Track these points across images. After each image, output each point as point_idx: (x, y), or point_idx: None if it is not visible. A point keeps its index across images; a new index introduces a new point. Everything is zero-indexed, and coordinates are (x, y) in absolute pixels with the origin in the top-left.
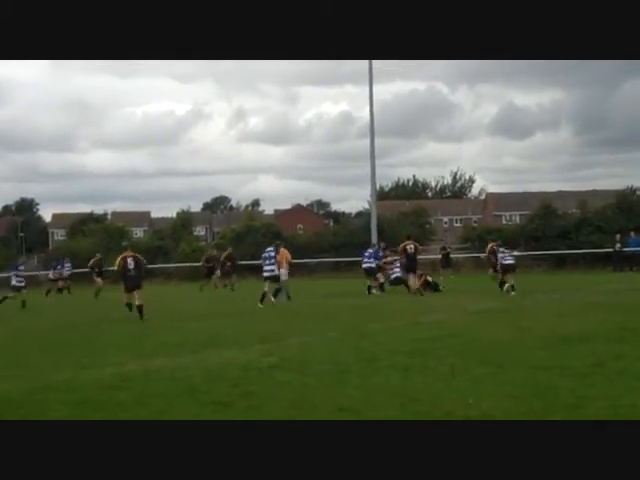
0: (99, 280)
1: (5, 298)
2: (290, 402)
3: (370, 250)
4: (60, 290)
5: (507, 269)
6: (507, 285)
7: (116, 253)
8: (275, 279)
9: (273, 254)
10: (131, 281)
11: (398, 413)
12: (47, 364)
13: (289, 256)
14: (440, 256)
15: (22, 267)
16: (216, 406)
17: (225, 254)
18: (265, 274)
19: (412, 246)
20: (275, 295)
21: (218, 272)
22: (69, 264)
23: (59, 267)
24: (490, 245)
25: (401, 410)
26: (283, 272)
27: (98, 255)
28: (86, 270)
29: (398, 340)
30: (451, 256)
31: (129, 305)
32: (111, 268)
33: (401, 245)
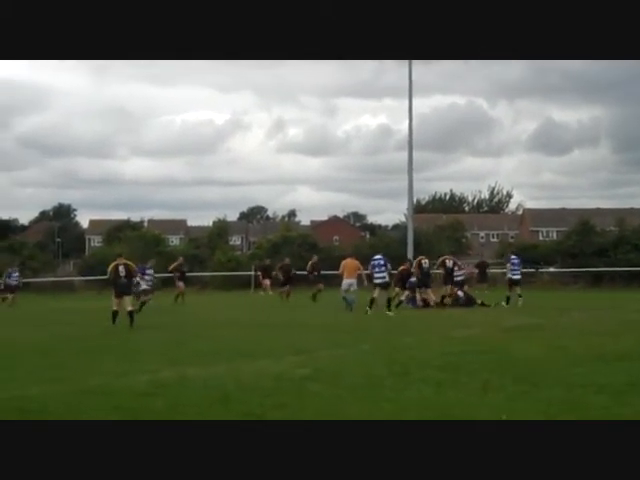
0: (181, 284)
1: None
2: (322, 414)
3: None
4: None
5: (514, 283)
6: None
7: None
8: (386, 286)
9: (383, 262)
10: (121, 287)
11: None
12: (83, 369)
13: (359, 266)
14: (477, 270)
15: (150, 270)
16: (248, 417)
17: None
18: (376, 281)
19: (426, 261)
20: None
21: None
22: (17, 274)
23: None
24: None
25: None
26: (349, 282)
27: (180, 259)
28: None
29: (430, 354)
30: (488, 271)
31: (115, 313)
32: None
33: (417, 259)
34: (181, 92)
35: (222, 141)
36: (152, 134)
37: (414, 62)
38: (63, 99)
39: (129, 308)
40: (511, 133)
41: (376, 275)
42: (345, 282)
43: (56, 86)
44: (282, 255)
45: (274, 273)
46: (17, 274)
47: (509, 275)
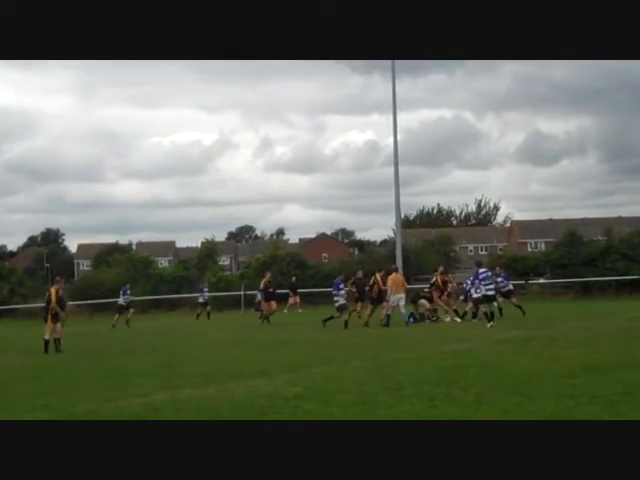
0: (273, 303)
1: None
2: None
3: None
4: None
5: (486, 300)
6: (478, 313)
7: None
8: (490, 299)
9: (490, 274)
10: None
11: None
12: (74, 394)
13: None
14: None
15: (206, 287)
16: None
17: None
18: (488, 292)
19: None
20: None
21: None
22: (128, 292)
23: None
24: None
25: None
26: (398, 297)
27: (268, 274)
28: (111, 300)
29: (423, 369)
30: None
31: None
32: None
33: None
34: (168, 114)
35: (210, 161)
36: (140, 156)
37: (400, 77)
38: (50, 124)
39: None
40: (499, 145)
41: (486, 287)
42: (394, 297)
43: (43, 110)
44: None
45: (347, 288)
46: (128, 293)
47: (484, 292)
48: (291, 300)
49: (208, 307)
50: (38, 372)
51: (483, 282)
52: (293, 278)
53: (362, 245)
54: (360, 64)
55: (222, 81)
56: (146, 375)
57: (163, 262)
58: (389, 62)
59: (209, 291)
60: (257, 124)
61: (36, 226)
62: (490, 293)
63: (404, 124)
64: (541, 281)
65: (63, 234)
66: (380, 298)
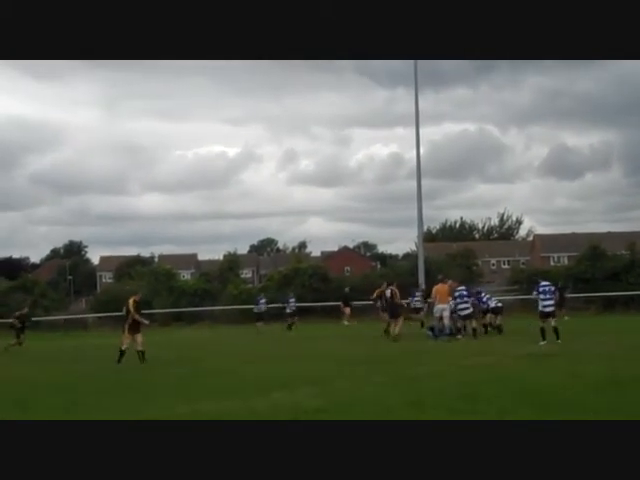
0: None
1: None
2: None
3: (418, 293)
4: None
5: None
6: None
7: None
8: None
9: (553, 289)
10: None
11: None
12: (97, 406)
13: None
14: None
15: (293, 298)
16: None
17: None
18: (546, 309)
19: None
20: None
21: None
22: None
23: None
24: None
25: None
26: (442, 307)
27: (347, 289)
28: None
29: (445, 383)
30: (565, 295)
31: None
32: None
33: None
34: (193, 126)
35: (234, 174)
36: (164, 169)
37: (424, 90)
38: (76, 136)
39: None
40: (523, 159)
41: (544, 303)
42: (438, 307)
43: (68, 123)
44: (293, 287)
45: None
46: (263, 300)
47: (459, 312)
48: (346, 311)
49: (296, 318)
50: (62, 385)
51: (542, 296)
52: (347, 289)
53: (384, 258)
54: (384, 78)
55: (246, 94)
56: (168, 388)
57: (185, 275)
58: (413, 76)
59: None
60: (281, 137)
61: (59, 238)
62: (549, 310)
63: (428, 137)
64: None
65: (86, 246)
66: (398, 311)
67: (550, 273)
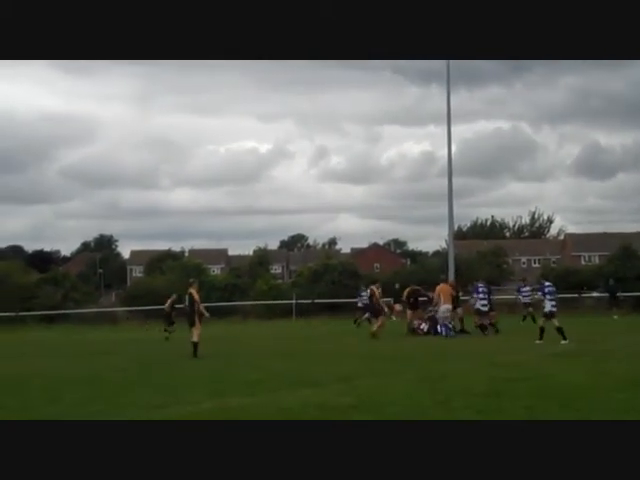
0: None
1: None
2: None
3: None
4: None
5: (481, 313)
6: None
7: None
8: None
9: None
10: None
11: None
12: (124, 400)
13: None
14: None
15: (364, 292)
16: None
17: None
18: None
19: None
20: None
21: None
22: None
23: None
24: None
25: None
26: (447, 307)
27: (397, 286)
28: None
29: (473, 381)
30: (617, 295)
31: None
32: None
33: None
34: (225, 122)
35: (265, 170)
36: (196, 164)
37: (457, 88)
38: (107, 131)
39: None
40: (555, 158)
41: (551, 303)
42: (443, 308)
43: (101, 118)
44: (323, 284)
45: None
46: (365, 293)
47: (477, 306)
48: (396, 307)
49: (367, 314)
50: (91, 378)
51: (548, 296)
52: (397, 285)
53: (414, 256)
54: (417, 75)
55: (279, 90)
56: (197, 382)
57: (215, 270)
58: (445, 73)
59: None
60: (313, 133)
61: (90, 232)
62: (554, 309)
63: (460, 135)
64: (594, 295)
65: (116, 240)
66: (377, 311)
67: (581, 272)
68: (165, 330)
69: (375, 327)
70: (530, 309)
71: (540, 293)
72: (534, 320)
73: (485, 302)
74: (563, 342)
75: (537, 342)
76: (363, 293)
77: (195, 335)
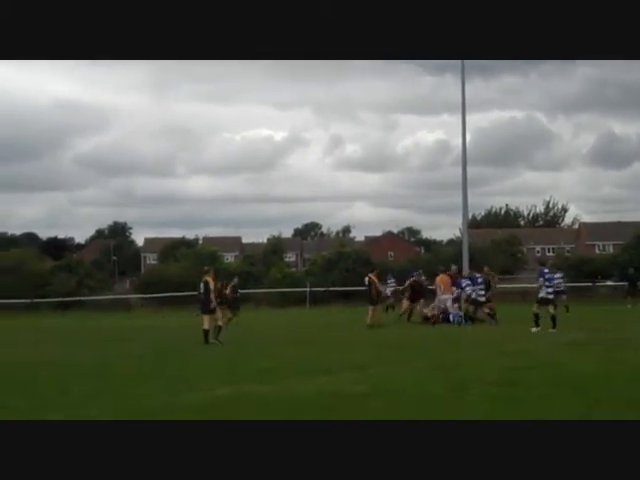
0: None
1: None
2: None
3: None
4: None
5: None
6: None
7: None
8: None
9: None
10: (201, 305)
11: None
12: (138, 389)
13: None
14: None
15: (392, 279)
16: None
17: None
18: (548, 296)
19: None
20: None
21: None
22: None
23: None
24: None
25: None
26: (446, 297)
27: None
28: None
29: (486, 370)
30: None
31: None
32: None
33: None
34: (241, 110)
35: (280, 158)
36: (211, 152)
37: (471, 78)
38: (124, 119)
39: (204, 326)
40: (570, 147)
41: (548, 290)
42: (442, 298)
43: (117, 106)
44: (337, 272)
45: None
46: (392, 281)
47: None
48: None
49: (392, 300)
50: (105, 365)
51: (546, 283)
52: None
53: (428, 244)
54: (432, 65)
55: (294, 79)
56: (211, 369)
57: (229, 257)
58: (460, 63)
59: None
60: (328, 122)
61: (104, 219)
62: (550, 297)
63: (475, 124)
64: (609, 284)
65: (130, 227)
66: (376, 299)
67: (595, 261)
68: (233, 315)
69: (369, 318)
70: (564, 297)
71: (541, 279)
72: (567, 309)
73: (482, 292)
74: (551, 330)
75: (533, 330)
76: (389, 280)
77: (206, 322)
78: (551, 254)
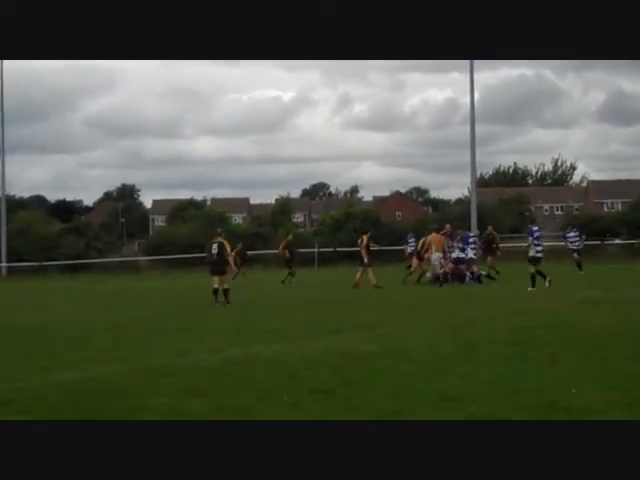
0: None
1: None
2: (392, 391)
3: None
4: None
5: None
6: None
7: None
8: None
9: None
10: (211, 266)
11: (499, 403)
12: (149, 348)
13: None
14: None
15: (412, 238)
16: (318, 394)
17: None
18: (538, 255)
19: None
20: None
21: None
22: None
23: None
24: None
25: (503, 400)
26: (437, 256)
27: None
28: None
29: (496, 328)
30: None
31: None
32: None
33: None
34: (248, 70)
35: (288, 118)
36: (219, 113)
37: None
38: (131, 80)
39: (214, 286)
40: (579, 104)
41: (538, 249)
42: (435, 256)
43: (124, 67)
44: (345, 232)
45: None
46: (412, 240)
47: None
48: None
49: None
50: (116, 326)
51: (535, 242)
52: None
53: (436, 204)
54: None
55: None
56: (220, 330)
57: (237, 218)
58: None
59: None
60: (336, 82)
61: (112, 181)
62: (539, 255)
63: (484, 82)
64: (617, 242)
65: (139, 190)
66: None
67: (604, 219)
68: (290, 274)
69: (357, 277)
70: (575, 255)
71: (530, 238)
72: (580, 268)
73: (474, 252)
74: (530, 289)
75: (529, 289)
76: (410, 240)
77: (217, 282)
78: (559, 212)
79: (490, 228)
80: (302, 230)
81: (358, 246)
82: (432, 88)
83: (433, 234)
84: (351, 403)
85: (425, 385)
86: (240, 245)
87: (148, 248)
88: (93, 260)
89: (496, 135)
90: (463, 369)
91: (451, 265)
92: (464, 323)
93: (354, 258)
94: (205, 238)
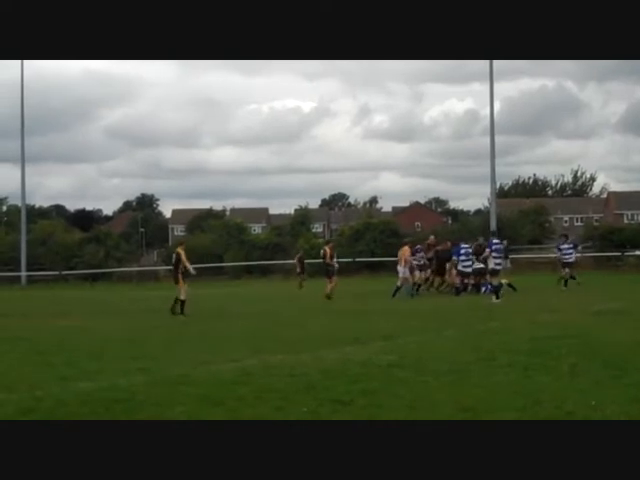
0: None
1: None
2: (410, 401)
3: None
4: None
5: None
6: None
7: (233, 249)
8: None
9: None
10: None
11: (519, 414)
12: (168, 358)
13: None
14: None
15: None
16: (335, 404)
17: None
18: (497, 267)
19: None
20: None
21: None
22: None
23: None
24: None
25: (522, 411)
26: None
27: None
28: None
29: (516, 339)
30: None
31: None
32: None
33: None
34: (268, 80)
35: (308, 129)
36: (238, 123)
37: None
38: (151, 90)
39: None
40: (600, 115)
41: (497, 261)
42: (401, 269)
43: (144, 77)
44: (364, 242)
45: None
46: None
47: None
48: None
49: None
50: (134, 335)
51: (494, 254)
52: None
53: (456, 214)
54: None
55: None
56: (239, 340)
57: (256, 228)
58: None
59: None
60: (356, 92)
61: (132, 191)
62: (498, 267)
63: (504, 93)
64: (637, 253)
65: (158, 199)
66: (328, 271)
67: (624, 230)
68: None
69: (328, 288)
70: (566, 270)
71: (487, 250)
72: (567, 281)
73: (469, 264)
74: (495, 300)
75: (494, 300)
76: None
77: (183, 293)
78: (579, 224)
79: (481, 240)
80: (321, 240)
81: (321, 257)
82: (452, 99)
83: (404, 247)
84: (370, 414)
85: (444, 396)
86: (301, 252)
87: (167, 257)
88: (112, 269)
89: (516, 146)
90: (482, 380)
91: (471, 276)
92: (483, 332)
93: (373, 268)
94: (224, 248)
